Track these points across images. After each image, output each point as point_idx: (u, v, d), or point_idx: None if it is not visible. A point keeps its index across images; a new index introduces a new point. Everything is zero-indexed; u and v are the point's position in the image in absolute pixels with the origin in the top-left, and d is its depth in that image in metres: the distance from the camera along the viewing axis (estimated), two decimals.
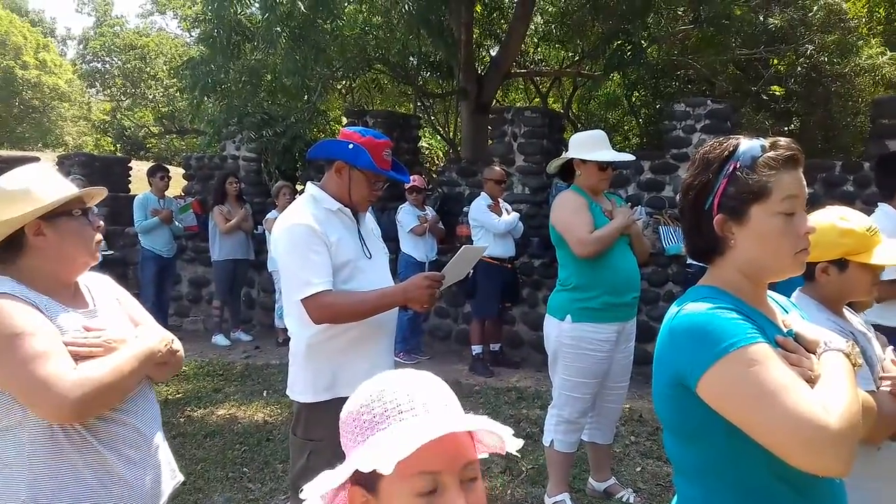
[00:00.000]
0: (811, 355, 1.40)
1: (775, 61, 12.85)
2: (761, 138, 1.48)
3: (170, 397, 5.86)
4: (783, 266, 1.46)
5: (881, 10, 12.55)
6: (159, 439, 1.94)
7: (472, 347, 6.89)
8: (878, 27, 12.81)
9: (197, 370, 6.72)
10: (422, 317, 7.55)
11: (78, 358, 1.72)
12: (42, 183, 1.86)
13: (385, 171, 2.67)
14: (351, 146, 2.61)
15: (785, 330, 1.48)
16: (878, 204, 3.55)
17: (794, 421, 1.23)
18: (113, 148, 27.73)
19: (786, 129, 13.32)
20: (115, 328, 1.88)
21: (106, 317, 1.92)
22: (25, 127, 33.00)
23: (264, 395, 5.96)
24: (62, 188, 1.88)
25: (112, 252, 8.70)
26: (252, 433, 5.06)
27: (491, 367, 6.80)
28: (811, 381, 1.33)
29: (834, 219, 2.02)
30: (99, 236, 1.96)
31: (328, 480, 1.00)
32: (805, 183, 1.48)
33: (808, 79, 12.72)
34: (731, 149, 1.47)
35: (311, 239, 2.51)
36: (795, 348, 1.40)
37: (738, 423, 1.31)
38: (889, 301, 3.09)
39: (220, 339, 7.98)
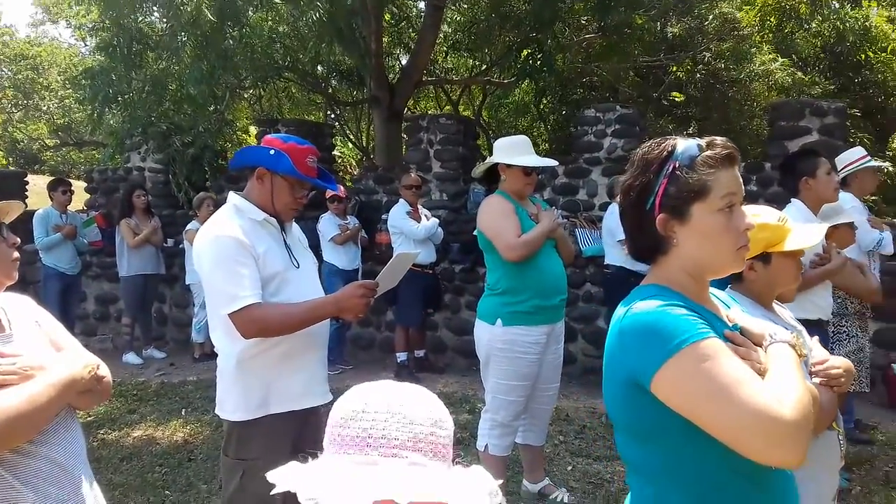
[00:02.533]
0: (758, 348, 1.44)
1: (675, 68, 13.37)
2: (697, 138, 1.52)
3: (81, 420, 5.53)
4: (725, 262, 1.49)
5: (772, 19, 13.24)
6: (85, 474, 1.81)
7: (397, 355, 6.84)
8: (770, 35, 13.51)
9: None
10: (346, 326, 7.45)
11: None
12: None
13: (308, 178, 2.60)
14: (272, 152, 2.53)
15: (730, 324, 1.52)
16: (791, 200, 3.73)
17: (751, 414, 1.25)
18: (5, 162, 26.27)
19: (686, 132, 13.85)
20: (32, 353, 1.75)
21: (23, 341, 1.79)
22: None
23: (183, 413, 5.74)
24: None
25: None
26: (172, 454, 4.86)
27: (416, 373, 6.77)
28: (760, 374, 1.36)
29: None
30: (16, 254, 1.83)
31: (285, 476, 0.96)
32: (741, 181, 1.52)
33: (706, 84, 13.29)
34: (670, 149, 1.49)
35: (237, 251, 2.43)
36: (743, 342, 1.44)
37: (693, 419, 1.33)
38: (803, 293, 3.24)
39: (131, 358, 7.64)
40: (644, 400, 1.39)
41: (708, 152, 1.47)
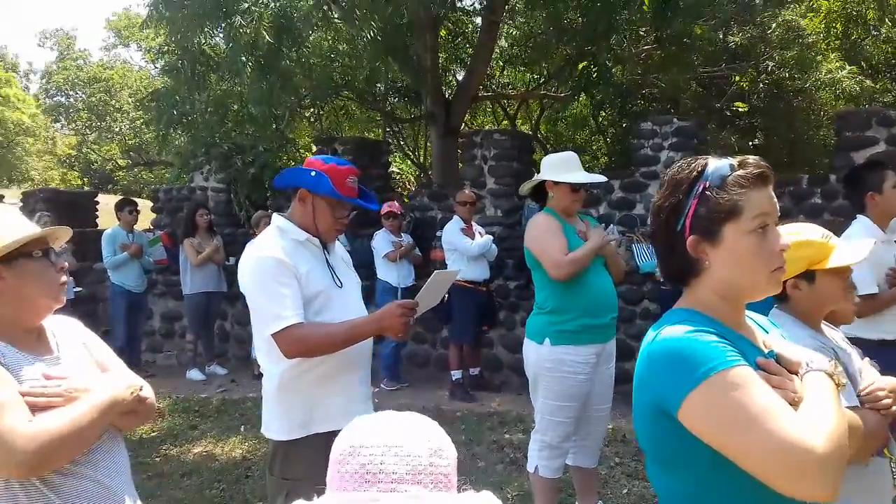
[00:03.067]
0: (793, 376, 1.39)
1: (737, 78, 13.08)
2: (729, 158, 1.48)
3: (144, 436, 5.72)
4: (759, 285, 1.44)
5: (838, 26, 12.84)
6: (128, 493, 1.85)
7: (452, 373, 6.83)
8: (836, 42, 13.09)
9: (172, 407, 6.58)
10: (401, 344, 7.49)
11: (36, 409, 1.65)
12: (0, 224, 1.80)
13: (349, 199, 2.62)
14: (313, 174, 2.56)
15: (766, 351, 1.47)
16: (857, 216, 3.60)
17: (780, 446, 1.21)
18: (80, 182, 27.40)
19: (750, 144, 13.54)
20: (78, 375, 1.80)
21: (70, 363, 1.85)
22: None
23: (241, 429, 5.84)
24: (21, 229, 1.81)
25: (80, 289, 8.55)
26: (230, 470, 4.96)
27: (471, 391, 6.75)
28: (794, 404, 1.31)
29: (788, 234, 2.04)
30: (63, 277, 1.89)
31: None
32: (776, 200, 1.47)
33: (770, 94, 12.96)
34: (700, 169, 1.46)
35: (279, 271, 2.46)
36: (777, 370, 1.39)
37: (721, 450, 1.29)
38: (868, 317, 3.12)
39: (194, 374, 7.83)
40: (671, 427, 1.35)
41: (740, 172, 1.43)
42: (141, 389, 1.92)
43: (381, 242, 7.12)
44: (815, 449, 1.20)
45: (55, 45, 33.58)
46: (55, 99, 32.04)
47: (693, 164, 1.48)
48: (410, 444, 1.00)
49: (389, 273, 7.06)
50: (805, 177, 7.52)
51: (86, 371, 1.87)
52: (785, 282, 2.03)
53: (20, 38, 78.97)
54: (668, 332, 1.39)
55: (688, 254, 1.45)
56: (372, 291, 7.23)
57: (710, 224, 1.42)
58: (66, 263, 1.97)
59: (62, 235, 1.97)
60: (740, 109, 13.80)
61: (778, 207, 1.47)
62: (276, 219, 2.67)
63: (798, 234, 2.03)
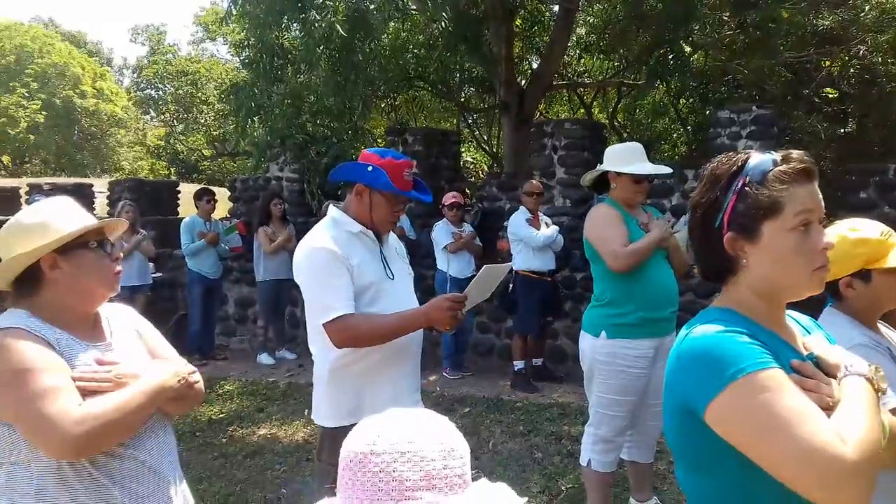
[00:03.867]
0: (831, 380, 1.32)
1: (827, 63, 12.49)
2: (773, 152, 1.41)
3: (213, 417, 5.92)
4: (800, 284, 1.38)
5: None
6: (172, 473, 1.92)
7: (514, 363, 6.80)
8: None
9: (241, 389, 6.79)
10: (467, 332, 7.50)
11: (86, 393, 1.73)
12: (59, 216, 1.87)
13: (405, 192, 2.64)
14: (370, 168, 2.58)
15: (805, 353, 1.40)
16: None
17: (808, 452, 1.16)
18: (167, 172, 28.48)
19: (841, 131, 12.94)
20: (129, 362, 1.88)
21: (122, 350, 1.92)
22: (84, 154, 34.16)
23: (305, 413, 5.96)
24: (80, 220, 1.89)
25: (161, 274, 8.90)
26: (292, 453, 5.08)
27: (534, 382, 6.70)
28: (829, 409, 1.25)
29: (844, 231, 1.95)
30: (118, 267, 1.96)
31: None
32: (821, 197, 1.40)
33: (862, 80, 12.33)
34: (740, 164, 1.40)
35: (331, 263, 2.50)
36: (813, 373, 1.32)
37: (748, 454, 1.24)
38: None
39: (264, 358, 8.06)
40: (698, 429, 1.31)
41: (782, 167, 1.37)
42: (190, 375, 1.98)
43: (441, 233, 7.13)
44: (845, 456, 1.14)
45: (146, 41, 35.00)
46: (145, 92, 33.45)
47: (734, 159, 1.42)
48: (423, 446, 0.98)
49: (449, 264, 7.05)
50: (893, 166, 7.13)
51: (137, 357, 1.94)
52: (839, 280, 1.95)
53: (114, 35, 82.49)
54: (700, 331, 1.35)
55: (725, 251, 1.40)
56: (432, 282, 7.26)
57: (749, 221, 1.37)
58: (122, 253, 2.05)
59: (119, 227, 2.05)
60: (830, 96, 13.20)
61: (822, 205, 1.39)
62: (332, 210, 2.71)
63: (856, 230, 1.93)
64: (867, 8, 11.36)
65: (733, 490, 1.31)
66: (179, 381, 1.92)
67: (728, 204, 1.39)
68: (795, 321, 1.52)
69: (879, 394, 1.31)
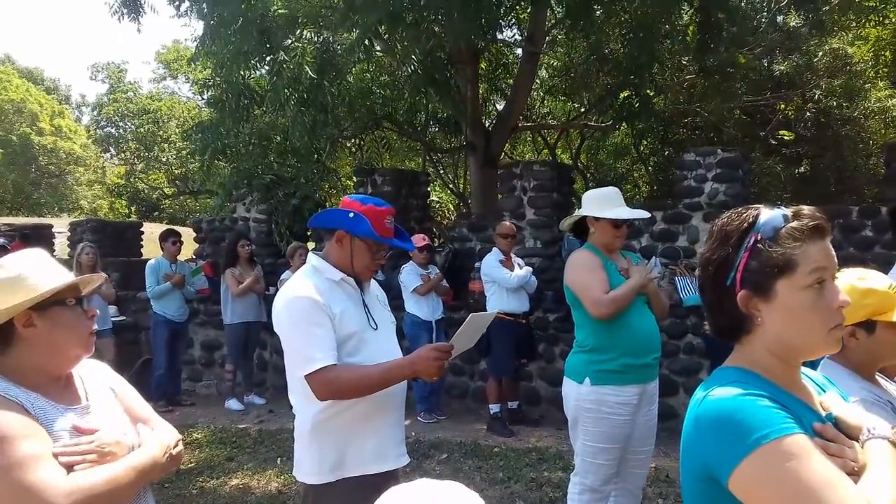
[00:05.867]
0: (854, 443, 1.29)
1: (783, 106, 12.86)
2: (783, 207, 1.40)
3: (182, 467, 5.69)
4: (816, 344, 1.36)
5: (887, 54, 12.59)
6: None
7: (490, 406, 6.73)
8: (885, 70, 12.83)
9: (210, 437, 6.59)
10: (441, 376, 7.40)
11: (69, 467, 1.63)
12: (35, 271, 1.78)
13: (387, 240, 2.60)
14: (351, 215, 2.54)
15: (823, 413, 1.38)
16: None
17: None
18: (127, 210, 28.04)
19: (796, 172, 13.27)
20: (109, 426, 1.78)
21: (100, 412, 1.83)
22: (42, 192, 33.48)
23: (278, 462, 5.80)
24: (56, 276, 1.80)
25: (124, 318, 8.67)
26: None
27: (510, 425, 6.63)
28: (854, 474, 1.22)
29: (853, 280, 1.94)
30: (94, 326, 1.88)
31: None
32: (834, 253, 1.38)
33: (817, 123, 12.73)
34: (751, 220, 1.38)
35: (313, 312, 2.43)
36: (835, 436, 1.29)
37: None
38: None
39: (233, 404, 7.85)
40: (721, 496, 1.27)
41: (794, 223, 1.35)
42: (175, 446, 1.90)
43: (409, 276, 7.09)
44: None
45: (106, 78, 34.66)
46: (105, 130, 33.00)
47: (744, 215, 1.40)
48: None
49: (418, 307, 7.01)
50: (855, 209, 7.31)
51: (115, 420, 1.85)
52: None
53: (73, 72, 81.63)
54: (718, 394, 1.31)
55: (738, 310, 1.37)
56: (400, 325, 7.19)
57: (763, 279, 1.34)
58: (97, 311, 1.96)
59: (95, 281, 1.97)
60: (786, 138, 13.56)
61: (836, 261, 1.38)
62: (312, 258, 2.65)
63: (864, 280, 1.93)
64: (820, 54, 11.77)
65: None
66: (166, 454, 1.84)
67: (740, 261, 1.37)
68: (810, 379, 1.50)
69: None
